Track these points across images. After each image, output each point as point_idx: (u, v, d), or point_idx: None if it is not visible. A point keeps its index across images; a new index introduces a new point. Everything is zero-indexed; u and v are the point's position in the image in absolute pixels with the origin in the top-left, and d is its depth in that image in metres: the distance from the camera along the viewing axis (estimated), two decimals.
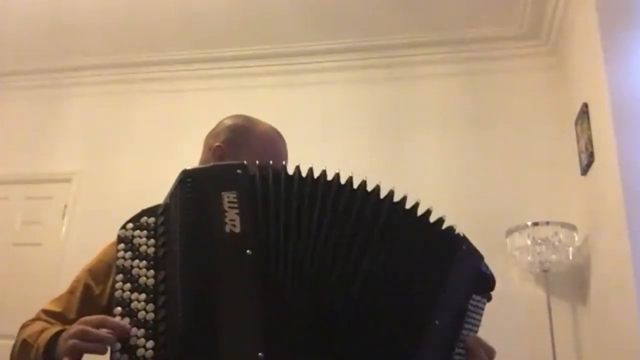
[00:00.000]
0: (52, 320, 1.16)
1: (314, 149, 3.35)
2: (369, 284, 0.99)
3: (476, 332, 1.11)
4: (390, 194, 1.07)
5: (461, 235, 1.10)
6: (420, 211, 1.08)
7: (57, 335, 1.04)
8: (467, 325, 1.08)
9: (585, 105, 2.91)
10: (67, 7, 3.71)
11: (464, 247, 1.10)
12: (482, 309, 1.13)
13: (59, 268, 3.61)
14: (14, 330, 1.18)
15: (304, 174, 1.05)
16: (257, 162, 1.05)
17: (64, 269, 3.59)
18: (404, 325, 1.00)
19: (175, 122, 3.96)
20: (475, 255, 1.13)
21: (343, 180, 1.05)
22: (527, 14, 3.51)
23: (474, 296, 1.10)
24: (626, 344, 2.40)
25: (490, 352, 1.09)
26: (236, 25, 3.81)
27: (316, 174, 1.05)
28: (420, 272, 1.04)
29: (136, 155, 3.94)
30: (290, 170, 1.05)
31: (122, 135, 4.06)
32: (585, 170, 2.93)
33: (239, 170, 1.03)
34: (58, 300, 1.22)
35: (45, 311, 1.20)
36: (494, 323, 3.06)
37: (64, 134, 4.15)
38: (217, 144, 1.35)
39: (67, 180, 4.02)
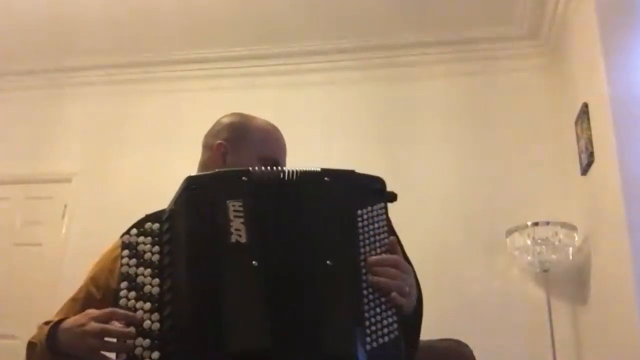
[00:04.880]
0: None
1: (315, 149, 3.35)
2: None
3: (384, 238, 1.07)
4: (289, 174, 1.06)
5: (318, 170, 1.08)
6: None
7: (56, 325, 1.04)
8: (366, 242, 1.04)
9: (585, 105, 2.91)
10: (67, 7, 3.71)
11: (326, 178, 1.07)
12: (382, 214, 1.08)
13: (59, 268, 3.61)
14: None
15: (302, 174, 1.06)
16: (262, 166, 1.06)
17: (64, 269, 3.59)
18: (310, 282, 0.98)
19: (176, 122, 3.96)
20: (343, 176, 1.09)
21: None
22: (527, 14, 3.51)
23: (359, 212, 1.05)
24: (626, 344, 2.40)
25: (397, 264, 1.05)
26: (237, 26, 3.81)
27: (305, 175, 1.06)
28: (306, 229, 1.03)
29: (136, 155, 3.93)
30: (289, 171, 1.06)
31: (122, 135, 4.05)
32: (585, 170, 2.93)
33: (244, 178, 1.03)
34: (60, 310, 1.21)
35: (47, 323, 1.17)
36: (494, 323, 3.07)
37: (64, 134, 4.15)
38: (218, 141, 1.35)
39: (67, 180, 4.02)
